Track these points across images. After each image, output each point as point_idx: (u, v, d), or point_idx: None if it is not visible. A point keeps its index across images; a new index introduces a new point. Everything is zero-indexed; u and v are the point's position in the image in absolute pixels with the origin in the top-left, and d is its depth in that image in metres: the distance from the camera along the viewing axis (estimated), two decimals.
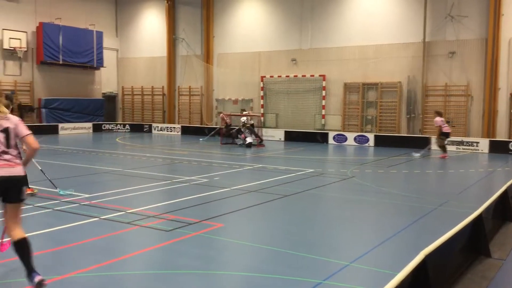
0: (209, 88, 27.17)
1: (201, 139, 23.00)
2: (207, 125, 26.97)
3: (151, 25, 29.22)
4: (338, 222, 7.98)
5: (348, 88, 23.01)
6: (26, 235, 4.71)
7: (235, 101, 26.25)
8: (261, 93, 25.24)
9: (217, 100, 27.07)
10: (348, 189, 10.86)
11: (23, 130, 4.81)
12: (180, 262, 5.61)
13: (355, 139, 22.06)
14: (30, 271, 4.50)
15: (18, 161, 4.74)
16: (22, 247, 4.56)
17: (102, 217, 7.53)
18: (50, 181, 9.88)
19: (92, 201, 8.66)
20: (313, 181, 11.59)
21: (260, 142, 20.59)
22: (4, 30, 24.08)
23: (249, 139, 19.95)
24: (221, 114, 22.44)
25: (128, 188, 10.22)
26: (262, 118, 24.39)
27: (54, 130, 25.86)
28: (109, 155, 16.54)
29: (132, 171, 12.67)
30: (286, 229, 7.31)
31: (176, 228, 6.96)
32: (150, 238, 6.69)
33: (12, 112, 12.92)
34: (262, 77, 25.13)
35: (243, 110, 22.07)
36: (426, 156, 17.05)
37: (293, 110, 24.39)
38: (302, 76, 23.96)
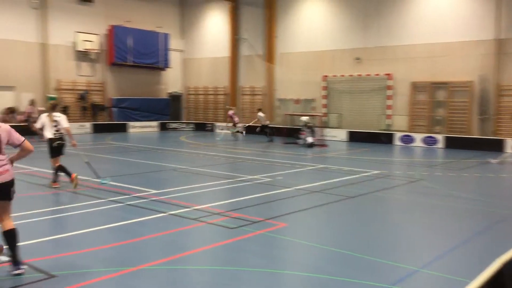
0: (271, 87, 27.28)
1: (218, 138, 23.48)
2: (269, 124, 27.05)
3: (214, 26, 29.79)
4: (405, 226, 7.72)
5: (415, 87, 22.21)
6: (15, 226, 5.11)
7: (297, 101, 26.16)
8: (324, 92, 24.97)
9: (279, 99, 27.12)
10: (416, 192, 10.48)
11: (18, 137, 5.21)
12: (245, 260, 5.67)
13: (423, 140, 21.27)
14: (16, 261, 4.94)
15: (7, 167, 5.08)
16: (11, 236, 4.98)
17: (170, 213, 7.78)
18: (94, 172, 10.74)
19: (160, 197, 8.96)
20: (379, 183, 11.30)
21: (316, 143, 20.36)
22: (78, 33, 25.49)
23: (310, 139, 19.82)
24: (230, 112, 22.75)
25: (193, 185, 10.49)
26: (324, 118, 24.13)
27: (123, 128, 27.05)
28: (175, 153, 17.04)
29: (197, 169, 12.98)
30: (351, 231, 7.19)
31: (241, 226, 7.05)
32: (215, 234, 6.82)
33: (63, 111, 14.12)
34: (325, 77, 24.86)
35: (259, 109, 23.98)
36: (506, 163, 16.03)
37: (357, 110, 23.91)
38: (367, 75, 23.44)
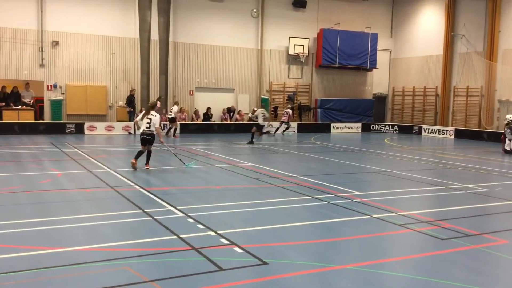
0: (491, 88, 24.47)
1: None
2: (486, 128, 24.39)
3: (427, 23, 28.17)
4: None
5: None
6: None
7: None
8: None
9: (499, 101, 24.15)
10: None
11: None
12: (455, 274, 5.23)
13: None
14: None
15: None
16: None
17: (373, 216, 7.67)
18: (181, 160, 12.50)
19: (363, 199, 8.91)
20: None
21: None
22: (291, 38, 27.11)
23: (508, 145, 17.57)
24: (258, 111, 20.52)
25: (397, 190, 10.14)
26: None
27: (327, 129, 27.78)
28: (377, 155, 16.74)
29: (401, 173, 12.49)
30: None
31: (452, 238, 6.52)
32: (423, 243, 6.45)
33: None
34: None
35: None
36: None
37: None
38: None
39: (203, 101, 25.45)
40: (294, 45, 27.25)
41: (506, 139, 18.05)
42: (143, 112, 12.16)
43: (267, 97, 27.18)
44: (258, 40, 26.75)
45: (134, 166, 11.53)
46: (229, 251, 5.67)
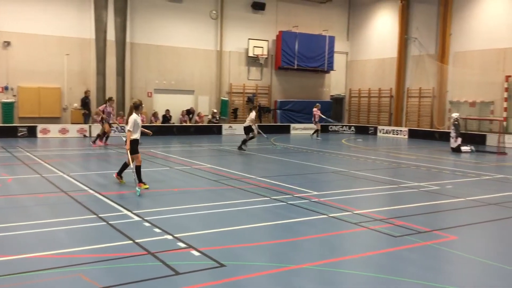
0: (442, 89, 25.42)
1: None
2: (438, 128, 25.30)
3: (382, 26, 28.95)
4: None
5: None
6: None
7: (472, 104, 23.89)
8: (506, 94, 22.32)
9: (450, 102, 25.12)
10: None
11: None
12: (408, 270, 5.39)
13: None
14: None
15: None
16: None
17: (330, 215, 7.80)
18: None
19: (321, 199, 9.05)
20: None
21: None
22: (250, 40, 27.21)
23: (458, 140, 18.72)
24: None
25: (353, 189, 10.36)
26: (504, 123, 21.59)
27: (286, 130, 28.05)
28: (335, 156, 17.04)
29: (357, 173, 12.78)
30: None
31: (405, 235, 6.72)
32: (377, 241, 6.62)
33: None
34: (507, 77, 22.21)
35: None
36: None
37: None
38: None
39: (162, 103, 25.14)
40: (254, 47, 27.37)
41: (451, 138, 18.84)
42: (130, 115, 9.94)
43: (227, 98, 27.16)
44: (218, 42, 26.69)
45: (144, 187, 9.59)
46: (186, 255, 5.62)
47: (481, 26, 23.52)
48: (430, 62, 25.85)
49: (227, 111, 27.13)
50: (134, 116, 9.62)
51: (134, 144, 9.68)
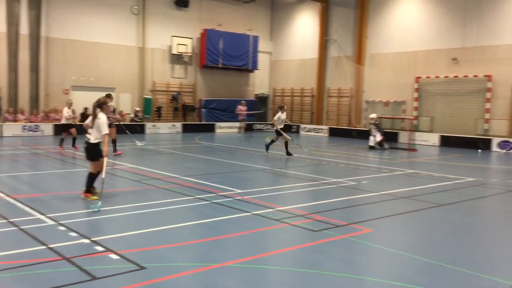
0: (359, 89, 26.69)
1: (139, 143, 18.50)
2: (355, 127, 26.52)
3: (303, 28, 29.79)
4: (501, 238, 7.15)
5: None
6: None
7: (386, 103, 25.33)
8: (415, 95, 23.92)
9: (367, 102, 26.45)
10: None
11: None
12: (326, 263, 5.61)
13: None
14: None
15: None
16: None
17: (253, 212, 7.90)
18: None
19: (245, 197, 9.14)
20: (473, 191, 10.60)
21: (382, 142, 19.85)
22: (174, 37, 26.80)
23: (378, 137, 19.68)
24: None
25: (276, 187, 10.57)
26: (415, 121, 23.11)
27: (211, 129, 27.99)
28: (259, 154, 17.28)
29: (281, 170, 13.06)
30: (440, 241, 6.81)
31: (324, 229, 6.97)
32: (298, 236, 6.81)
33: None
34: (417, 78, 23.81)
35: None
36: None
37: (451, 113, 22.62)
38: (464, 76, 22.08)
39: (80, 101, 23.99)
40: (177, 44, 27.00)
41: (371, 136, 19.94)
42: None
43: (150, 97, 26.56)
44: (140, 38, 26.01)
45: (91, 198, 8.40)
46: (104, 259, 5.42)
47: (395, 30, 24.97)
48: (348, 64, 27.04)
49: (151, 109, 26.54)
50: (105, 116, 8.51)
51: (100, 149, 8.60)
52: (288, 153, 15.95)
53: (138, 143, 17.47)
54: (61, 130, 15.75)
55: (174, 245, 6.11)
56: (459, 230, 7.49)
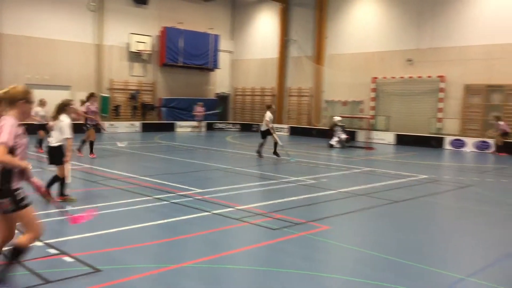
0: (318, 89, 27.08)
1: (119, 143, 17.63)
2: (315, 126, 26.89)
3: (264, 28, 29.93)
4: (452, 232, 7.45)
5: (469, 90, 21.39)
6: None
7: (345, 103, 25.82)
8: (372, 94, 24.51)
9: (326, 101, 26.87)
10: (466, 198, 10.09)
11: None
12: (285, 261, 5.66)
13: (475, 145, 20.45)
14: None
15: None
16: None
17: (213, 212, 7.88)
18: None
19: (205, 196, 9.10)
20: (426, 188, 10.97)
21: (347, 141, 20.58)
22: (132, 35, 26.32)
23: (342, 136, 20.41)
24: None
25: (237, 186, 10.58)
26: (372, 121, 23.68)
27: (171, 128, 27.68)
28: (220, 153, 17.25)
29: (241, 169, 13.08)
30: (395, 236, 7.01)
31: (283, 227, 7.04)
32: (257, 235, 6.85)
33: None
34: (374, 78, 24.39)
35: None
36: None
37: (406, 112, 23.32)
38: (418, 77, 22.80)
39: (34, 99, 23.19)
40: (136, 42, 26.52)
41: (334, 136, 20.33)
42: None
43: (108, 95, 25.98)
44: (97, 35, 25.38)
45: (65, 201, 8.08)
46: (58, 262, 5.27)
47: (353, 31, 25.48)
48: (308, 64, 27.38)
49: (108, 108, 25.97)
50: (68, 119, 8.23)
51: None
52: (276, 153, 15.29)
53: (119, 144, 17.01)
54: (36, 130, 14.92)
55: (131, 247, 6.01)
56: (412, 226, 7.73)
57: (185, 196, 9.08)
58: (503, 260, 5.99)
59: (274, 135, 15.39)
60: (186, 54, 28.01)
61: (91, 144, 14.46)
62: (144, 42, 26.81)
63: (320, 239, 6.60)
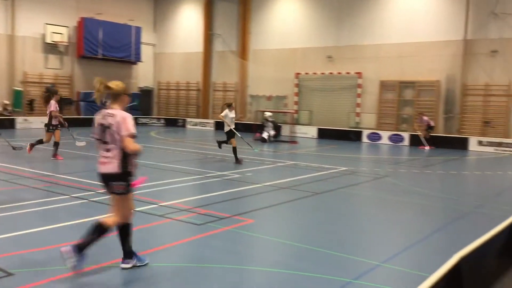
0: (243, 84, 27.27)
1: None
2: (240, 120, 27.05)
3: (188, 21, 29.54)
4: (370, 222, 7.87)
5: (384, 86, 22.62)
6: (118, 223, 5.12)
7: (269, 98, 26.24)
8: (296, 90, 25.13)
9: (251, 96, 27.14)
10: (381, 189, 10.69)
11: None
12: (210, 256, 5.66)
13: (390, 138, 21.69)
14: (124, 255, 5.10)
15: (109, 159, 4.95)
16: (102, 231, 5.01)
17: (136, 209, 7.66)
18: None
19: None
20: (346, 180, 11.47)
21: (276, 136, 21.33)
22: (47, 25, 24.84)
23: (271, 132, 21.11)
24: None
25: (161, 182, 10.39)
26: (295, 115, 24.29)
27: (91, 123, 26.45)
28: (144, 149, 16.83)
29: (166, 165, 12.87)
30: (317, 227, 7.27)
31: (207, 222, 7.03)
32: (181, 231, 6.79)
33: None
34: (297, 74, 25.01)
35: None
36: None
37: (328, 107, 24.19)
38: (338, 73, 23.71)
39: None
40: (52, 33, 25.08)
41: (264, 131, 20.85)
42: None
43: (21, 89, 24.35)
44: (9, 25, 23.68)
45: None
46: None
47: (276, 27, 25.92)
48: (232, 58, 27.46)
49: (21, 102, 24.35)
50: None
51: None
52: (238, 161, 13.61)
53: (78, 143, 15.67)
54: None
55: (46, 248, 5.70)
56: (333, 216, 8.06)
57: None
58: (415, 245, 6.42)
59: (233, 138, 14.00)
60: (105, 46, 26.95)
61: (56, 145, 13.42)
62: (61, 33, 25.43)
63: (244, 233, 6.68)
